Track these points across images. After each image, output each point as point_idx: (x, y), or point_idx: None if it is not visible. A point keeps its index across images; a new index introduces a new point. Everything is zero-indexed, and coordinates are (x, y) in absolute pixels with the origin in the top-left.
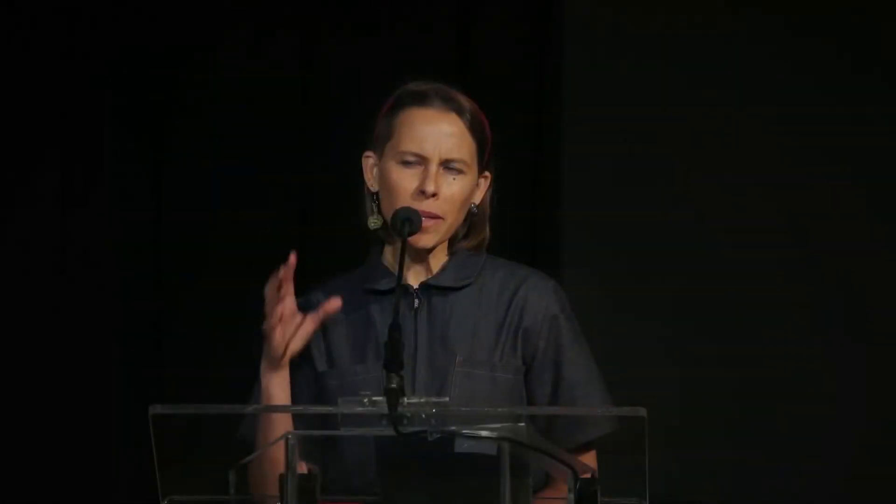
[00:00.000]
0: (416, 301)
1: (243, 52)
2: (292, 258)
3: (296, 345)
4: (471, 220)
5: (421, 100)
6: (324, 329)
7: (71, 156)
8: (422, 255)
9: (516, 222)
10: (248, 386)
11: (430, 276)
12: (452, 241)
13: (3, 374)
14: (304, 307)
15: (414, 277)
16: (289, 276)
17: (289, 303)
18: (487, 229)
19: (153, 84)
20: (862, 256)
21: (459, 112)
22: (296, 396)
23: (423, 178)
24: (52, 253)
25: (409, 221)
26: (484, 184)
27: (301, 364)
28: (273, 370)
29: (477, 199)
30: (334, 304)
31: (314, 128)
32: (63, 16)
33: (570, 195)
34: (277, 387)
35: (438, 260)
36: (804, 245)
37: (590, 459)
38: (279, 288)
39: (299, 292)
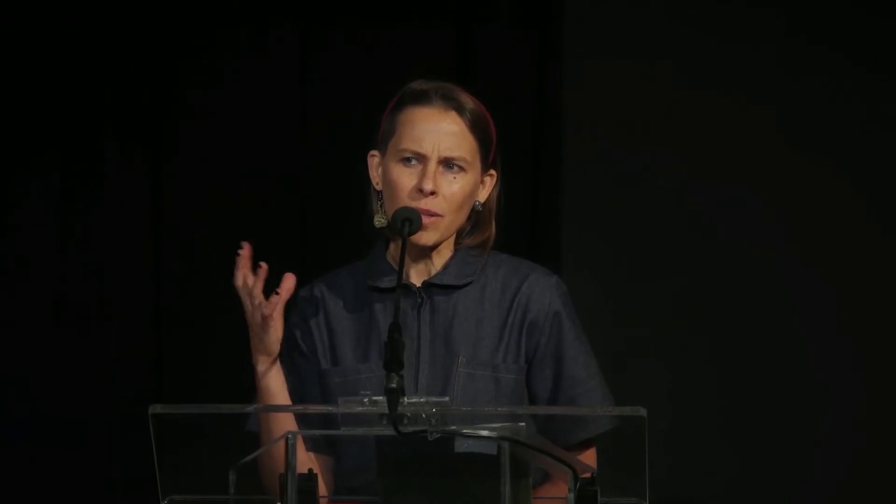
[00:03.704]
0: (419, 299)
1: (243, 52)
2: (246, 247)
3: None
4: (475, 217)
5: (422, 98)
6: (328, 326)
7: (71, 156)
8: (425, 253)
9: (516, 222)
10: (248, 386)
11: (432, 275)
12: (457, 239)
13: (3, 375)
14: (308, 300)
15: (416, 276)
16: (247, 263)
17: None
18: (493, 227)
19: (153, 84)
20: (861, 256)
21: (459, 110)
22: (303, 394)
23: (422, 177)
24: (51, 252)
25: (409, 221)
26: (489, 182)
27: (307, 360)
28: (268, 365)
29: (482, 196)
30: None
31: (314, 128)
32: (62, 16)
33: (570, 195)
34: (274, 379)
35: (442, 258)
36: (804, 245)
37: (590, 456)
38: (244, 282)
39: (301, 287)
